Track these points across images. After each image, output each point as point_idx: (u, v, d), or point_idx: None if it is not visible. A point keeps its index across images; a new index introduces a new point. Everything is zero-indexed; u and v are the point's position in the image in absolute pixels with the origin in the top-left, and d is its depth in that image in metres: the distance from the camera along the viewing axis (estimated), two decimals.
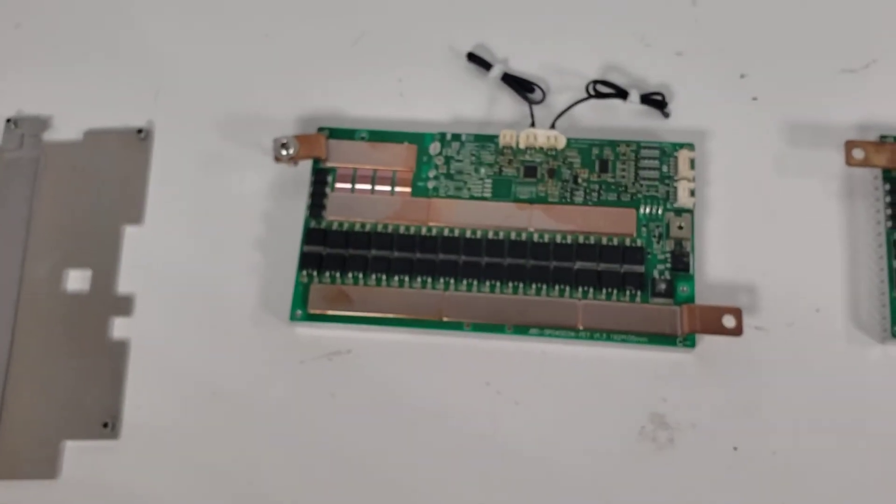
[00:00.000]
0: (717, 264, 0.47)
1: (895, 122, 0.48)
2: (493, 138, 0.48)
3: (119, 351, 0.47)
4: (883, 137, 0.47)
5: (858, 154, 0.46)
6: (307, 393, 0.45)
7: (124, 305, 0.48)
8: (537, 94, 0.50)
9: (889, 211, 0.46)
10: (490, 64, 0.51)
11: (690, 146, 0.47)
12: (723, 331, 0.43)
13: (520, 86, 0.50)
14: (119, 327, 0.47)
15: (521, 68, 0.51)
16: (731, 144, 0.49)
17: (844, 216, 0.47)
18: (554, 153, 0.48)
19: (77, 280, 0.48)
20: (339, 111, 0.51)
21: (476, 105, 0.51)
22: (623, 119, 0.50)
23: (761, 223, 0.47)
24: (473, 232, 0.46)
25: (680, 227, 0.46)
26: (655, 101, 0.49)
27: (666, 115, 0.50)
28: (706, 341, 0.45)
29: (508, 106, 0.50)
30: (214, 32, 0.53)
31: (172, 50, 0.53)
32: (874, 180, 0.47)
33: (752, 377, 0.44)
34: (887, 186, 0.46)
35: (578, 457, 0.44)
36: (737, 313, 0.43)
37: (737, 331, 0.43)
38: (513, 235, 0.46)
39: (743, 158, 0.49)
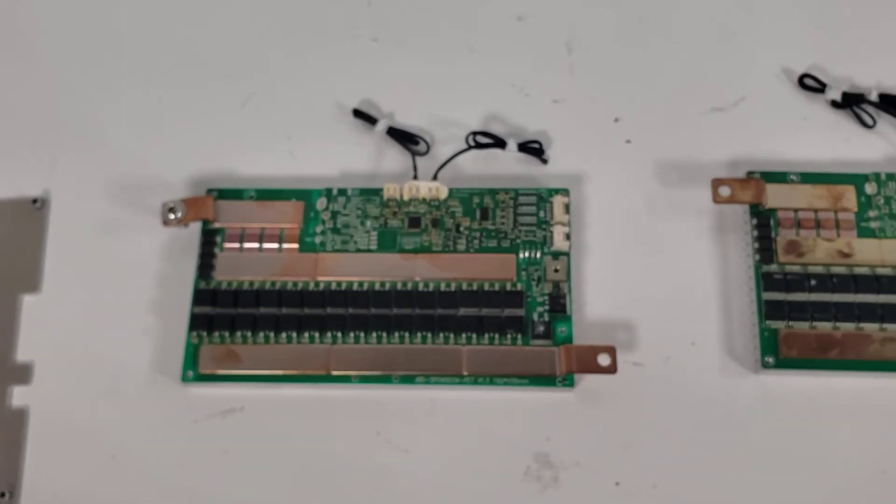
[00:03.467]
0: (596, 304, 0.48)
1: (763, 157, 0.51)
2: (378, 191, 0.50)
3: (18, 419, 0.48)
4: (750, 173, 0.49)
5: (724, 191, 0.48)
6: (202, 451, 0.46)
7: (22, 374, 0.48)
8: (422, 147, 0.52)
9: (757, 245, 0.48)
10: (375, 119, 0.52)
11: (565, 192, 0.49)
12: (598, 369, 0.45)
13: (404, 139, 0.52)
14: (18, 396, 0.48)
15: (407, 121, 0.53)
16: (607, 187, 0.51)
17: (717, 251, 0.49)
18: (437, 203, 0.50)
19: None
20: (230, 172, 0.52)
21: (363, 159, 0.52)
22: (504, 167, 0.52)
23: (637, 262, 0.49)
24: (360, 284, 0.48)
25: (556, 270, 0.47)
26: (533, 149, 0.51)
27: (544, 162, 0.51)
28: (587, 380, 0.46)
29: (395, 159, 0.52)
30: (109, 96, 0.55)
31: (67, 116, 0.54)
32: (744, 215, 0.49)
33: (631, 412, 0.46)
34: (755, 221, 0.48)
35: (467, 500, 0.45)
36: (611, 351, 0.45)
37: (611, 368, 0.45)
38: (399, 286, 0.48)
39: (618, 200, 0.50)
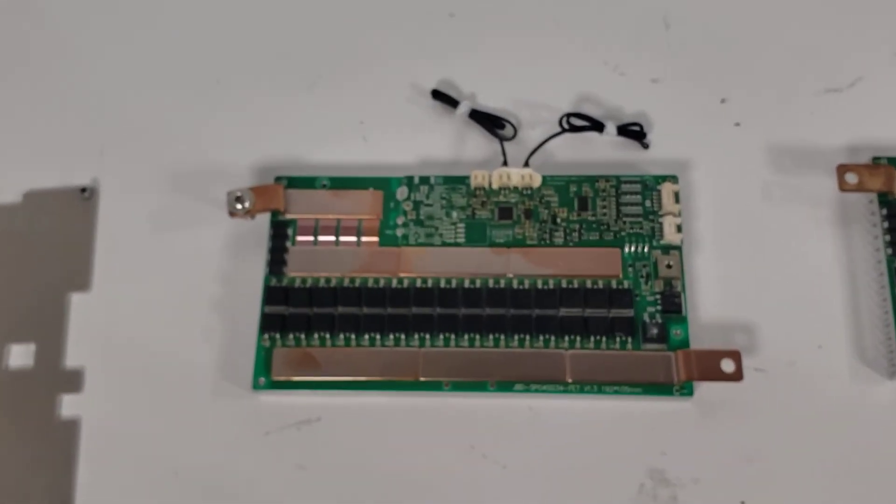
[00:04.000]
0: (710, 303, 0.44)
1: (885, 143, 0.46)
2: (463, 179, 0.45)
3: (69, 431, 0.43)
4: (876, 159, 0.45)
5: (852, 179, 0.44)
6: (275, 467, 0.42)
7: (73, 381, 0.44)
8: (508, 131, 0.47)
9: (888, 237, 0.43)
10: (456, 101, 0.48)
11: (674, 178, 0.45)
12: (722, 376, 0.40)
13: (489, 122, 0.47)
14: (68, 405, 0.43)
15: (490, 104, 0.48)
16: (716, 174, 0.46)
17: (840, 245, 0.44)
18: (529, 192, 0.45)
19: (20, 355, 0.44)
20: (298, 159, 0.47)
21: (444, 145, 0.47)
22: (601, 152, 0.47)
23: (753, 256, 0.44)
24: (448, 281, 0.43)
25: (668, 266, 0.43)
26: (633, 133, 0.47)
27: (645, 147, 0.47)
28: (704, 387, 0.42)
29: (478, 144, 0.47)
30: (162, 79, 0.50)
31: (117, 100, 0.49)
32: (869, 205, 0.44)
33: (754, 423, 0.41)
34: (884, 211, 0.43)
35: None
36: (735, 356, 0.40)
37: (736, 375, 0.40)
38: (490, 283, 0.43)
39: (729, 188, 0.46)
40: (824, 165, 0.45)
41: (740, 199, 0.46)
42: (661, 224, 0.44)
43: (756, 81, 0.48)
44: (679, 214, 0.44)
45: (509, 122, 0.47)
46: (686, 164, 0.46)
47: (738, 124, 0.47)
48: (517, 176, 0.45)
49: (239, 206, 0.44)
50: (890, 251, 0.43)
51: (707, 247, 0.45)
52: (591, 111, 0.48)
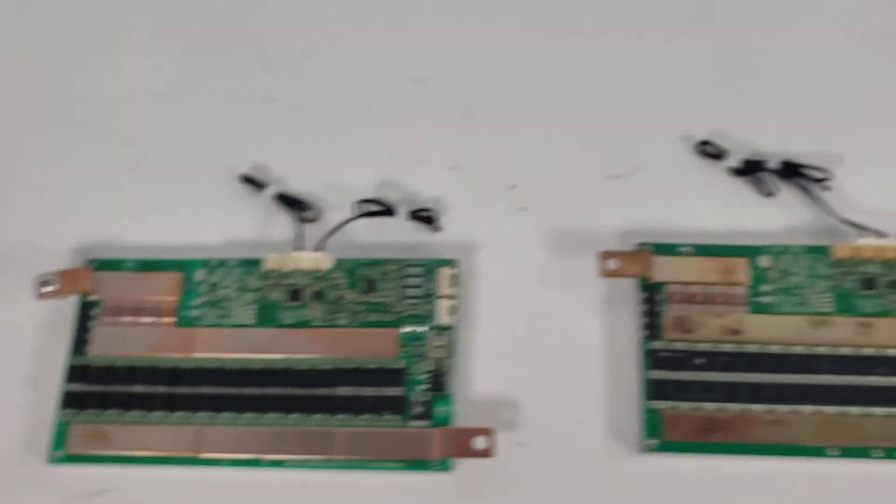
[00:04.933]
0: (482, 381, 0.47)
1: (657, 228, 0.49)
2: (258, 262, 0.49)
3: None
4: (641, 245, 0.48)
5: (612, 265, 0.47)
6: None
7: None
8: (312, 214, 0.51)
9: (644, 320, 0.46)
10: (263, 184, 0.51)
11: (452, 263, 0.48)
12: (473, 453, 0.43)
13: (294, 205, 0.51)
14: None
15: (300, 187, 0.52)
16: (499, 257, 0.49)
17: (607, 326, 0.47)
18: (320, 275, 0.48)
19: None
20: (113, 240, 0.51)
21: (250, 227, 0.51)
22: (399, 235, 0.50)
23: (525, 337, 0.47)
24: (236, 361, 0.46)
25: (437, 346, 0.46)
26: (424, 217, 0.50)
27: (437, 230, 0.50)
28: (468, 461, 0.45)
29: (285, 227, 0.51)
30: None
31: None
32: (633, 289, 0.48)
33: (510, 495, 0.44)
34: (642, 295, 0.47)
35: None
36: (488, 433, 0.43)
37: (487, 452, 0.43)
38: (277, 363, 0.46)
39: (509, 271, 0.49)
40: (599, 249, 0.48)
41: (519, 280, 0.49)
42: (436, 306, 0.47)
43: (543, 168, 0.51)
44: (454, 297, 0.47)
45: (313, 206, 0.51)
46: (473, 246, 0.50)
47: (523, 209, 0.51)
48: (307, 259, 0.48)
49: (46, 290, 0.47)
50: (645, 333, 0.46)
51: (484, 327, 0.48)
52: (393, 196, 0.51)
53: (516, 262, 0.49)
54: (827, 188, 0.49)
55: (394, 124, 0.53)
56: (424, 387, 0.45)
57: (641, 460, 0.45)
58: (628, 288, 0.48)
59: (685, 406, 0.44)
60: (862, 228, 0.47)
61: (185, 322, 0.47)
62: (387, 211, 0.50)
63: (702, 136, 0.51)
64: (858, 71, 0.53)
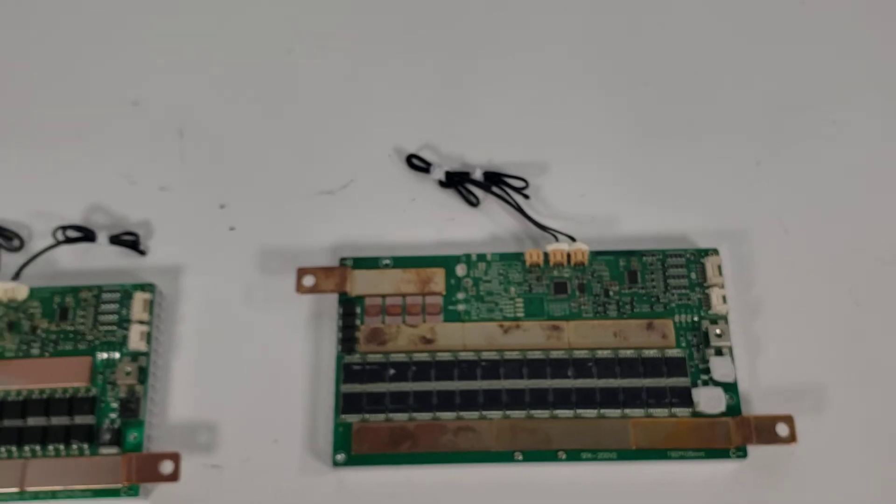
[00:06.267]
0: (181, 406, 0.46)
1: (367, 241, 0.50)
2: None
3: None
4: (342, 260, 0.48)
5: (309, 281, 0.47)
6: None
7: None
8: (16, 242, 0.49)
9: (340, 334, 0.47)
10: None
11: (150, 287, 0.47)
12: (160, 477, 0.42)
13: None
14: None
15: (3, 215, 0.50)
16: (205, 278, 0.49)
17: (310, 342, 0.48)
18: (15, 305, 0.47)
19: None
20: None
21: None
22: (104, 260, 0.49)
23: (227, 358, 0.47)
24: None
25: (128, 373, 0.45)
26: (127, 242, 0.49)
27: (142, 253, 0.50)
28: (160, 488, 0.44)
29: None
30: None
31: None
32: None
33: None
34: (340, 310, 0.47)
35: None
36: (174, 457, 0.43)
37: (173, 477, 0.42)
38: None
39: (215, 291, 0.49)
40: (309, 266, 0.49)
41: (224, 301, 0.48)
42: (129, 332, 0.46)
43: (255, 186, 0.51)
44: (149, 322, 0.46)
45: (17, 235, 0.49)
46: (179, 269, 0.49)
47: (233, 228, 0.50)
48: (1, 290, 0.47)
49: None
50: (340, 347, 0.46)
51: (185, 351, 0.47)
52: (98, 220, 0.50)
53: (223, 283, 0.49)
54: (526, 196, 0.50)
55: (105, 147, 0.52)
56: (115, 414, 0.45)
57: (334, 475, 0.45)
58: (334, 303, 0.48)
59: (376, 418, 0.45)
60: (556, 234, 0.49)
61: None
62: (87, 236, 0.49)
63: (414, 150, 0.52)
64: (561, 80, 0.54)
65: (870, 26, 0.55)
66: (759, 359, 0.47)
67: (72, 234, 0.49)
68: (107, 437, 0.44)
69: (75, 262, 0.49)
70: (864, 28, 0.55)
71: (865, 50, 0.55)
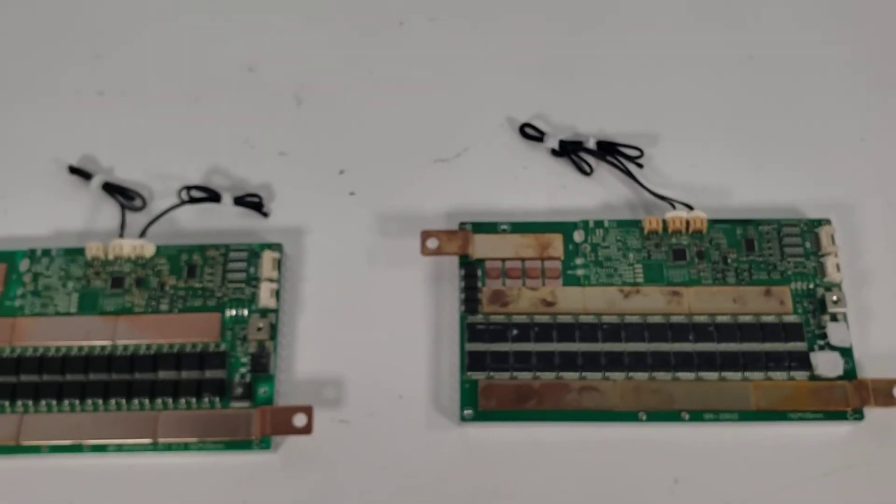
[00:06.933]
0: (307, 362, 0.47)
1: (480, 208, 0.51)
2: (81, 251, 0.48)
3: None
4: (462, 225, 0.49)
5: (432, 243, 0.48)
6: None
7: None
8: (138, 202, 0.50)
9: (463, 295, 0.48)
10: (90, 174, 0.51)
11: (278, 246, 0.48)
12: (293, 430, 0.44)
13: (120, 194, 0.51)
14: None
15: (128, 177, 0.52)
16: (328, 240, 0.50)
17: (431, 303, 0.49)
18: (143, 262, 0.48)
19: None
20: None
21: (77, 217, 0.50)
22: (226, 222, 0.51)
23: (351, 316, 0.48)
24: (58, 349, 0.46)
25: (259, 329, 0.46)
26: (251, 203, 0.50)
27: (265, 215, 0.51)
28: (290, 441, 0.45)
29: (112, 216, 0.50)
30: None
31: None
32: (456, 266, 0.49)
33: (334, 472, 0.45)
34: (462, 272, 0.48)
35: None
36: (307, 411, 0.44)
37: (306, 429, 0.44)
38: (98, 350, 0.46)
39: (338, 253, 0.50)
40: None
41: (347, 262, 0.49)
42: (258, 289, 0.47)
43: (373, 153, 0.52)
44: (278, 280, 0.48)
45: (139, 195, 0.51)
46: (301, 231, 0.50)
47: (352, 193, 0.51)
48: (129, 247, 0.48)
49: None
50: (464, 308, 0.47)
51: (310, 309, 0.48)
52: (219, 183, 0.51)
53: (344, 245, 0.50)
54: (640, 165, 0.51)
55: (222, 111, 0.53)
56: (245, 369, 0.46)
57: (460, 430, 0.46)
58: (453, 267, 0.49)
59: (501, 376, 0.46)
60: (673, 202, 0.50)
61: (7, 312, 0.47)
62: (212, 197, 0.50)
63: (525, 120, 0.53)
64: (670, 53, 0.55)
65: None
66: (871, 326, 0.48)
67: (196, 194, 0.50)
68: (238, 391, 0.45)
69: (199, 223, 0.51)
70: None
71: None
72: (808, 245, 0.48)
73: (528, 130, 0.52)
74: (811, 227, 0.49)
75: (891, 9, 0.56)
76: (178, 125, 0.53)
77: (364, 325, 0.48)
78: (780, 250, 0.48)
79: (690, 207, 0.49)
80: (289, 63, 0.55)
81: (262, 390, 0.46)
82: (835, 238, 0.48)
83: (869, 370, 0.47)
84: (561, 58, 0.55)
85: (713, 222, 0.49)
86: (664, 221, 0.49)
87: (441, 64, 0.55)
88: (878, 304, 0.49)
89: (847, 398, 0.45)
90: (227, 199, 0.50)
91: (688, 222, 0.48)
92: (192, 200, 0.50)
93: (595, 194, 0.51)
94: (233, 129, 0.53)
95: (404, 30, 0.56)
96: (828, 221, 0.49)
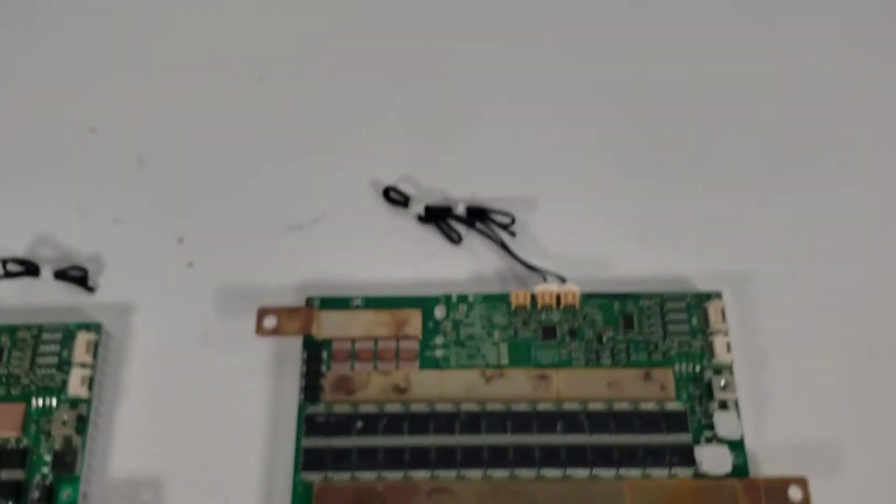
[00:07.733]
0: (124, 459, 0.41)
1: (337, 280, 0.45)
2: None
3: None
4: (309, 300, 0.44)
5: (270, 322, 0.42)
6: None
7: None
8: None
9: (303, 382, 0.42)
10: None
11: (96, 327, 0.43)
12: None
13: None
14: None
15: None
16: (158, 318, 0.45)
17: (270, 391, 0.43)
18: None
19: None
20: None
21: None
22: (50, 297, 0.45)
23: (178, 407, 0.42)
24: None
25: (64, 422, 0.40)
26: (74, 277, 0.45)
27: (90, 290, 0.45)
28: None
29: None
30: None
31: None
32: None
33: None
34: (304, 354, 0.43)
35: None
36: None
37: None
38: None
39: (168, 333, 0.44)
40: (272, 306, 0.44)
41: (178, 344, 0.44)
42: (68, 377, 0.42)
43: (219, 219, 0.47)
44: (92, 367, 0.42)
45: None
46: (130, 307, 0.45)
47: (191, 265, 0.46)
48: None
49: None
50: (303, 396, 0.42)
51: (132, 397, 0.43)
52: (44, 254, 0.46)
53: (176, 324, 0.44)
54: (512, 234, 0.46)
55: (59, 177, 0.48)
56: (47, 469, 0.40)
57: None
58: (298, 348, 0.44)
59: (341, 476, 0.40)
60: (545, 274, 0.45)
61: None
62: (30, 270, 0.45)
63: (391, 182, 0.48)
64: (550, 112, 0.50)
65: (877, 66, 0.52)
66: (768, 414, 0.43)
67: (13, 267, 0.45)
68: (36, 494, 0.39)
69: (18, 299, 0.45)
70: (871, 69, 0.52)
71: (873, 91, 0.51)
72: (694, 322, 0.43)
73: (393, 194, 0.47)
74: (699, 302, 0.44)
75: (786, 71, 0.52)
76: (4, 189, 0.48)
77: (191, 417, 0.42)
78: (662, 328, 0.43)
79: (563, 280, 0.44)
80: (133, 122, 0.50)
81: (65, 493, 0.40)
82: (725, 314, 0.43)
83: (764, 466, 0.42)
84: (430, 117, 0.50)
85: (587, 296, 0.44)
86: (533, 295, 0.44)
87: (301, 122, 0.50)
88: (775, 388, 0.44)
89: (736, 500, 0.40)
90: (46, 272, 0.45)
91: (558, 296, 0.44)
92: (8, 275, 0.44)
93: (465, 265, 0.46)
94: (66, 194, 0.48)
95: (260, 88, 0.51)
96: (718, 295, 0.44)
